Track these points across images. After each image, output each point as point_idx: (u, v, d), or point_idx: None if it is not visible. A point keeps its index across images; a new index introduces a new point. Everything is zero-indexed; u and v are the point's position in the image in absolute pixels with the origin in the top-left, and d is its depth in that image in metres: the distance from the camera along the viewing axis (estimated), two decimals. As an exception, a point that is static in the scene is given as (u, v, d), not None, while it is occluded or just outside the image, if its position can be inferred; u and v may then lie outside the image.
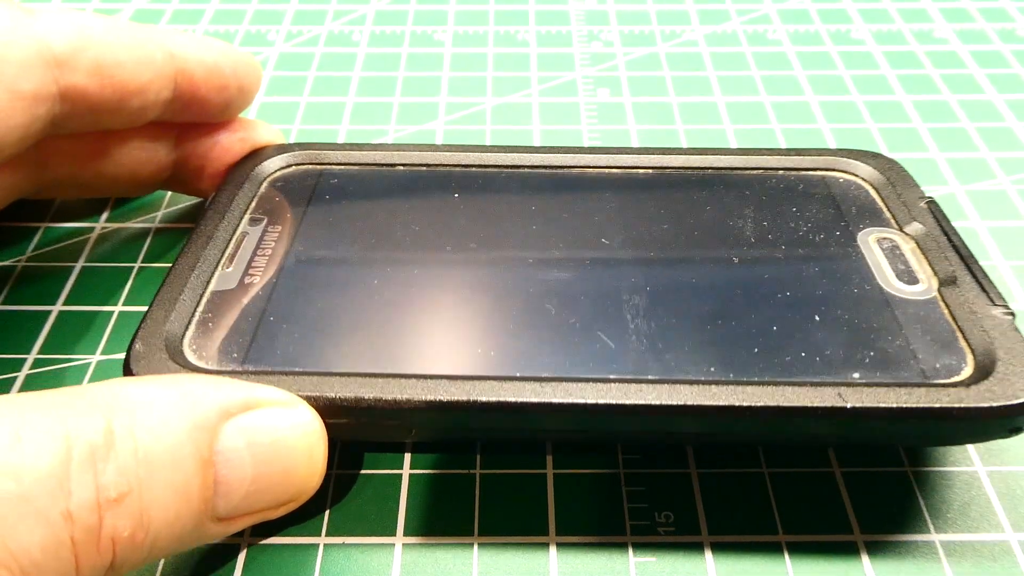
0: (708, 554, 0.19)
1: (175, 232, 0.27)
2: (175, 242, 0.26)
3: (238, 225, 0.23)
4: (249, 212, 0.24)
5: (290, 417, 0.17)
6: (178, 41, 0.23)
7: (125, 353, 0.19)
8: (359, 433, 0.20)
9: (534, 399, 0.18)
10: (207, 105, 0.24)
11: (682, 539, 0.19)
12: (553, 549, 0.19)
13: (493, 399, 0.18)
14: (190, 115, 0.24)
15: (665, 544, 0.19)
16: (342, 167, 0.25)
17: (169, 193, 0.28)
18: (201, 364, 0.19)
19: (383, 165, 0.25)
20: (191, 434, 0.15)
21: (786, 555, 0.18)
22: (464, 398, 0.18)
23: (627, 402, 0.17)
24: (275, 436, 0.17)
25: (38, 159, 0.24)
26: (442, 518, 0.19)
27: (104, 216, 0.27)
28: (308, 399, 0.18)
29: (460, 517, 0.19)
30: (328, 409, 0.18)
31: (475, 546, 0.19)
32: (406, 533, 0.19)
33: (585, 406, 0.17)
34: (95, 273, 0.25)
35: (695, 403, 0.17)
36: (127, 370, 0.19)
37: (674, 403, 0.17)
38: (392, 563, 0.18)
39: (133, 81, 0.22)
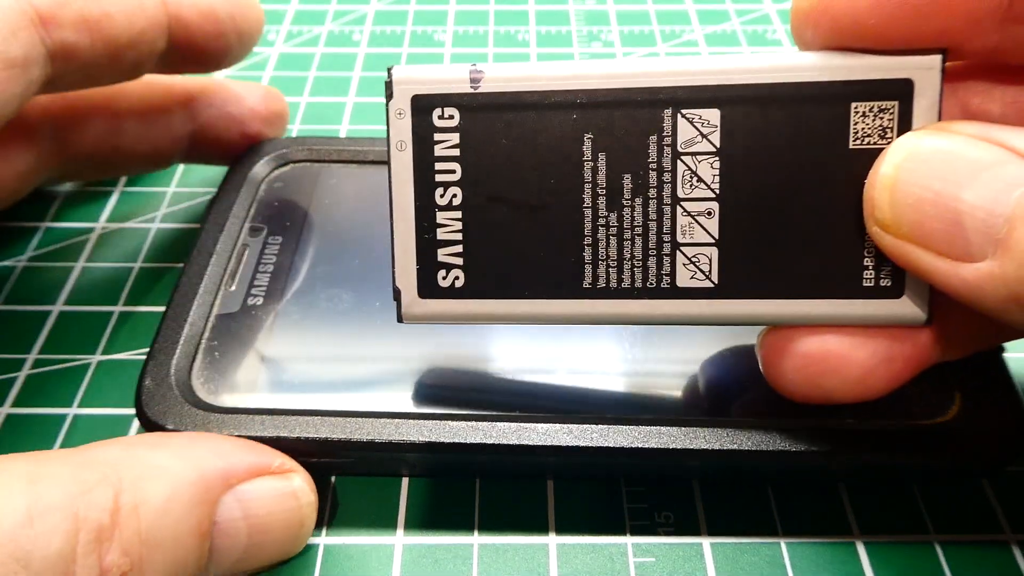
0: (708, 554, 0.19)
1: (175, 232, 0.27)
2: (175, 242, 0.26)
3: (238, 237, 0.23)
4: (248, 220, 0.23)
5: (286, 487, 0.17)
6: None
7: (136, 388, 0.19)
8: (358, 468, 0.20)
9: (536, 441, 0.18)
10: (204, 54, 0.23)
11: (682, 539, 0.19)
12: (553, 549, 0.19)
13: (494, 441, 0.18)
14: (187, 66, 0.23)
15: (665, 544, 0.19)
16: (341, 164, 0.25)
17: (169, 192, 0.28)
18: (210, 400, 0.19)
19: (384, 162, 0.25)
20: (194, 510, 0.16)
21: (786, 555, 0.18)
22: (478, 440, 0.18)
23: (624, 445, 0.18)
24: (271, 508, 0.17)
25: (57, 142, 0.24)
26: (442, 518, 0.19)
27: (104, 216, 0.27)
28: (307, 440, 0.18)
29: (460, 517, 0.19)
30: (327, 447, 0.18)
31: (475, 546, 0.19)
32: (406, 533, 0.19)
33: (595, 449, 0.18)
34: (95, 273, 0.25)
35: (699, 447, 0.18)
36: (139, 408, 0.19)
37: (678, 447, 0.18)
38: (392, 563, 0.18)
39: (124, 32, 0.20)
